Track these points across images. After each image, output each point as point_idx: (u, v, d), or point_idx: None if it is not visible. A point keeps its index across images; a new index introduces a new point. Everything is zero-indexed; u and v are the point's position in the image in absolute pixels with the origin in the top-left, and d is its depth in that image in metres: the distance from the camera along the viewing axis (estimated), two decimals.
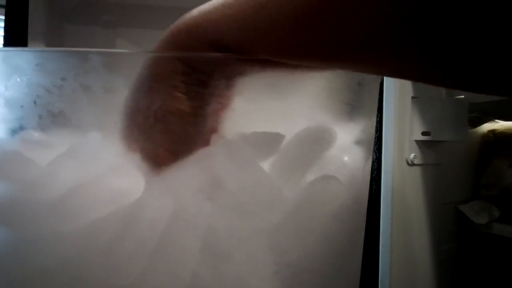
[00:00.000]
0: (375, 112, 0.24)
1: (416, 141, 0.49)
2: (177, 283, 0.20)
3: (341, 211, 0.21)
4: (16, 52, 0.19)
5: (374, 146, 0.49)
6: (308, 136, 0.21)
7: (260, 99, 0.22)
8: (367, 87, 0.22)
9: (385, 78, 0.48)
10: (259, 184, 0.20)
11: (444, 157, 0.53)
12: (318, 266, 0.21)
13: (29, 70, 0.18)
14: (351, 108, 0.22)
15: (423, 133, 0.49)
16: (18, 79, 0.17)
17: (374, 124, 0.25)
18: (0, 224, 0.20)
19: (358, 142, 0.24)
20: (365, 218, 0.24)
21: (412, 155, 0.48)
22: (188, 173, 0.20)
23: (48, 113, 0.18)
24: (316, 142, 0.21)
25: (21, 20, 0.34)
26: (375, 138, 0.49)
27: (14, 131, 0.18)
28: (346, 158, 0.23)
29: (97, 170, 0.20)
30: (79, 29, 0.40)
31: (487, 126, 0.64)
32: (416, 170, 0.50)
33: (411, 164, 0.49)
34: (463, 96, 0.50)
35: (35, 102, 0.18)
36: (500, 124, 0.64)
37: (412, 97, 0.48)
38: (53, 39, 0.37)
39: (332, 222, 0.21)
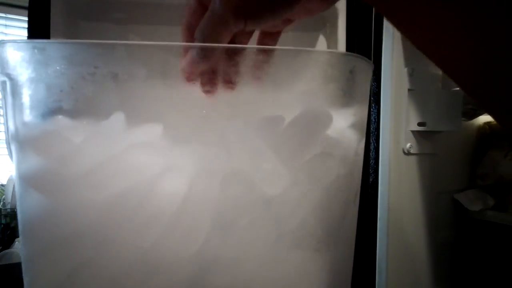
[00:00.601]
0: (367, 98, 0.27)
1: (412, 131, 0.51)
2: (190, 247, 0.23)
3: (335, 185, 0.24)
4: (54, 44, 0.22)
5: (372, 136, 0.51)
6: (306, 119, 0.24)
7: (264, 88, 0.24)
8: (359, 75, 0.25)
9: (382, 71, 0.51)
10: (263, 161, 0.23)
11: (440, 147, 0.55)
12: (316, 233, 0.24)
13: (66, 60, 0.21)
14: (344, 94, 0.24)
15: (419, 124, 0.51)
16: (57, 67, 0.20)
17: (366, 109, 0.27)
18: (38, 192, 0.23)
19: (351, 126, 0.26)
20: (358, 192, 0.27)
21: (408, 145, 0.51)
22: (202, 151, 0.23)
23: (83, 96, 0.21)
24: (313, 124, 0.24)
25: (43, 19, 0.37)
26: (373, 129, 0.51)
27: (54, 112, 0.21)
28: (340, 139, 0.25)
29: (121, 147, 0.23)
30: (93, 26, 0.43)
31: (483, 119, 0.66)
32: (412, 159, 0.53)
33: (407, 153, 0.51)
34: (458, 89, 0.52)
35: (72, 87, 0.20)
36: None
37: (409, 90, 0.51)
38: (71, 36, 0.40)
39: (327, 194, 0.24)
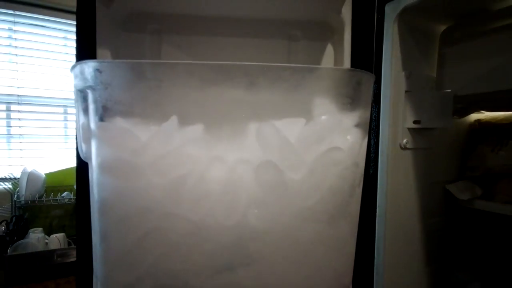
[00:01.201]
0: (370, 103, 0.33)
1: (409, 128, 0.57)
2: (231, 220, 0.30)
3: (344, 172, 0.30)
4: (129, 64, 0.28)
5: (372, 133, 0.57)
6: (321, 121, 0.30)
7: (287, 97, 0.30)
8: (364, 85, 0.31)
9: (382, 74, 0.56)
10: (288, 153, 0.29)
11: (433, 142, 0.61)
12: (328, 209, 0.30)
13: (138, 74, 0.27)
14: (352, 101, 0.30)
15: (415, 122, 0.57)
16: (131, 81, 0.26)
17: (369, 112, 0.33)
18: (113, 178, 0.29)
19: (357, 125, 0.33)
20: (362, 178, 0.33)
21: (404, 140, 0.57)
22: (240, 145, 0.29)
23: (149, 103, 0.27)
24: (326, 125, 0.30)
25: (91, 30, 0.43)
26: (374, 126, 0.58)
27: (126, 115, 0.27)
28: (348, 137, 0.31)
29: (177, 142, 0.29)
30: (132, 36, 0.49)
31: (474, 116, 0.72)
32: (408, 154, 0.59)
33: (403, 148, 0.57)
34: (449, 90, 0.58)
35: (141, 96, 0.27)
36: (485, 115, 0.72)
37: (406, 91, 0.57)
38: (114, 45, 0.45)
39: (337, 179, 0.30)
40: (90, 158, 0.33)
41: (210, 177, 0.29)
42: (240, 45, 0.47)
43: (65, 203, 1.57)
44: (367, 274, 0.58)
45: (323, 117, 0.30)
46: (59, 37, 1.64)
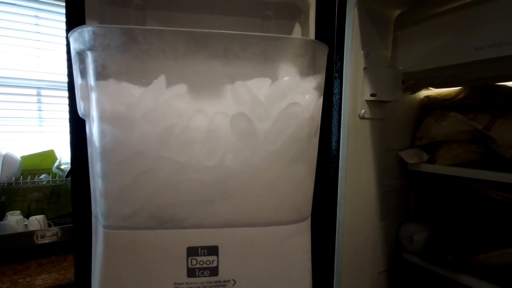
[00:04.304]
0: (324, 68, 0.40)
1: (366, 100, 0.66)
2: (211, 161, 0.36)
3: (302, 123, 0.38)
4: (124, 29, 0.33)
5: (335, 105, 0.65)
6: (284, 81, 0.37)
7: (256, 61, 0.37)
8: (319, 53, 0.38)
9: (344, 53, 0.64)
10: (256, 106, 0.36)
11: (387, 114, 0.71)
12: (289, 153, 0.38)
13: (131, 39, 0.32)
14: (308, 65, 0.38)
15: (371, 95, 0.65)
16: (125, 44, 0.32)
17: (324, 76, 0.41)
18: (113, 127, 0.35)
19: (314, 88, 0.40)
20: (318, 130, 0.41)
21: (362, 111, 0.65)
22: (218, 100, 0.36)
23: (141, 63, 0.33)
24: (288, 85, 0.37)
25: (80, 5, 0.47)
26: (337, 100, 0.66)
27: (122, 73, 0.33)
28: (306, 96, 0.39)
29: (165, 97, 0.35)
30: (116, 10, 0.53)
31: (423, 93, 0.83)
32: (366, 123, 0.68)
33: (362, 117, 0.66)
34: (400, 68, 0.67)
35: (134, 57, 0.32)
36: (433, 91, 0.83)
37: (364, 68, 0.65)
38: (102, 19, 0.49)
39: (297, 128, 0.38)
40: (88, 115, 0.38)
41: (193, 126, 0.36)
42: (218, 22, 0.53)
43: (43, 185, 1.55)
44: (330, 228, 0.68)
45: (285, 78, 0.37)
46: (29, 15, 1.58)
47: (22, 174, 1.56)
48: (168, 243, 0.36)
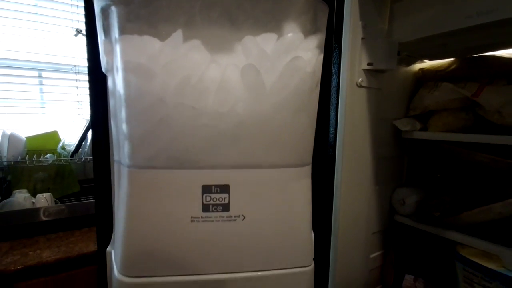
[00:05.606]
0: (325, 27, 0.44)
1: (364, 69, 0.70)
2: (225, 107, 0.40)
3: (304, 76, 0.42)
4: None
5: (334, 74, 0.69)
6: (289, 37, 0.41)
7: (263, 19, 0.41)
8: (320, 13, 0.42)
9: (343, 23, 0.68)
10: (264, 60, 0.40)
11: (383, 84, 0.75)
12: (295, 102, 0.42)
13: None
14: (311, 24, 0.41)
15: (368, 64, 0.69)
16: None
17: (325, 34, 0.45)
18: (136, 77, 0.39)
19: (316, 45, 0.44)
20: (318, 83, 0.45)
21: (360, 79, 0.69)
22: (230, 53, 0.40)
23: (162, 18, 0.37)
24: (292, 39, 0.41)
25: None
26: (336, 68, 0.70)
27: (145, 27, 0.37)
28: (308, 52, 0.43)
29: (183, 49, 0.39)
30: None
31: (418, 66, 0.87)
32: (363, 91, 0.72)
33: (359, 86, 0.70)
34: (395, 38, 0.71)
35: (156, 12, 0.36)
36: (427, 63, 0.87)
37: (362, 38, 0.68)
38: None
39: (300, 81, 0.42)
40: (111, 69, 0.42)
41: (208, 77, 0.40)
42: None
43: (48, 164, 1.59)
44: (328, 191, 0.73)
45: (289, 34, 0.41)
46: None
47: (27, 154, 1.59)
48: (186, 181, 0.41)
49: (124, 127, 0.40)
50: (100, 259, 0.50)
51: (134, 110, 0.39)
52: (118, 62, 0.39)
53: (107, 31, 0.40)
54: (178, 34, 0.38)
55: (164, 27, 0.38)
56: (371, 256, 0.83)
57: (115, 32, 0.38)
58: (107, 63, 0.41)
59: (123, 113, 0.39)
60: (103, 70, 0.43)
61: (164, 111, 0.39)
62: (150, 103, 0.39)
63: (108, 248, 0.48)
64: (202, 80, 0.39)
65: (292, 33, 0.41)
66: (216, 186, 0.41)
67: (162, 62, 0.38)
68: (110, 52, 0.40)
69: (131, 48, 0.38)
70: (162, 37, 0.38)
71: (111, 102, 0.43)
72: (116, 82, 0.40)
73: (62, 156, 1.57)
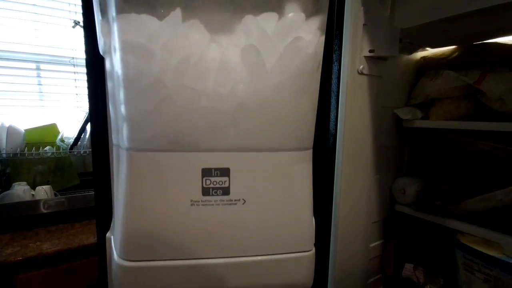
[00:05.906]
0: (327, 9, 0.43)
1: (365, 57, 0.69)
2: (225, 88, 0.39)
3: (305, 57, 0.41)
4: None
5: (335, 61, 0.68)
6: (290, 17, 0.40)
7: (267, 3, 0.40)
8: None
9: (345, 9, 0.67)
10: (265, 40, 0.40)
11: (384, 71, 0.74)
12: (296, 83, 0.41)
13: None
14: (313, 5, 0.41)
15: (370, 51, 0.68)
16: None
17: (326, 16, 0.44)
18: (135, 56, 0.38)
19: (318, 27, 0.43)
20: (320, 64, 0.44)
21: (361, 66, 0.68)
22: (230, 33, 0.39)
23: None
24: (293, 19, 0.40)
25: None
26: (337, 56, 0.69)
27: (141, 8, 0.36)
28: (310, 33, 0.42)
29: (182, 29, 0.38)
30: None
31: (420, 54, 0.86)
32: (364, 79, 0.71)
33: (360, 73, 0.69)
34: (397, 24, 0.70)
35: None
36: (429, 51, 0.86)
37: (363, 24, 0.67)
38: None
39: (301, 62, 0.41)
40: (109, 50, 0.41)
41: (208, 57, 0.39)
42: None
43: (47, 157, 1.58)
44: (329, 179, 0.72)
45: (290, 14, 0.40)
46: None
47: (26, 146, 1.58)
48: (185, 164, 0.40)
49: (122, 108, 0.39)
50: (100, 250, 0.50)
51: (132, 91, 0.38)
52: (116, 42, 0.38)
53: (104, 11, 0.39)
54: (177, 13, 0.38)
55: (162, 5, 0.37)
56: (371, 245, 0.83)
57: (112, 11, 0.37)
58: (105, 44, 0.41)
59: (121, 95, 0.39)
60: (101, 52, 0.42)
61: (163, 92, 0.38)
62: (149, 84, 0.38)
63: (108, 234, 0.48)
64: (202, 61, 0.38)
65: (293, 12, 0.40)
66: (216, 169, 0.41)
67: (160, 41, 0.37)
68: (108, 33, 0.39)
69: (129, 27, 0.37)
70: (161, 16, 0.37)
71: (109, 84, 0.42)
72: (114, 63, 0.39)
73: (61, 149, 1.56)
